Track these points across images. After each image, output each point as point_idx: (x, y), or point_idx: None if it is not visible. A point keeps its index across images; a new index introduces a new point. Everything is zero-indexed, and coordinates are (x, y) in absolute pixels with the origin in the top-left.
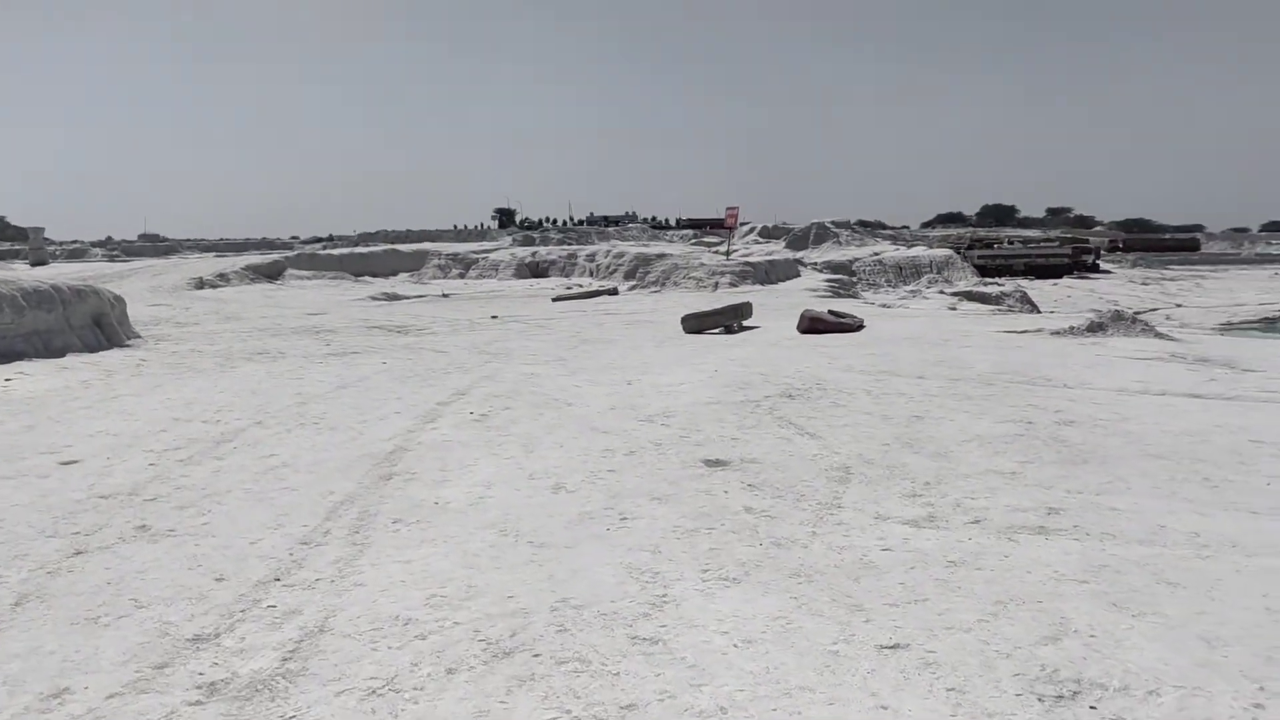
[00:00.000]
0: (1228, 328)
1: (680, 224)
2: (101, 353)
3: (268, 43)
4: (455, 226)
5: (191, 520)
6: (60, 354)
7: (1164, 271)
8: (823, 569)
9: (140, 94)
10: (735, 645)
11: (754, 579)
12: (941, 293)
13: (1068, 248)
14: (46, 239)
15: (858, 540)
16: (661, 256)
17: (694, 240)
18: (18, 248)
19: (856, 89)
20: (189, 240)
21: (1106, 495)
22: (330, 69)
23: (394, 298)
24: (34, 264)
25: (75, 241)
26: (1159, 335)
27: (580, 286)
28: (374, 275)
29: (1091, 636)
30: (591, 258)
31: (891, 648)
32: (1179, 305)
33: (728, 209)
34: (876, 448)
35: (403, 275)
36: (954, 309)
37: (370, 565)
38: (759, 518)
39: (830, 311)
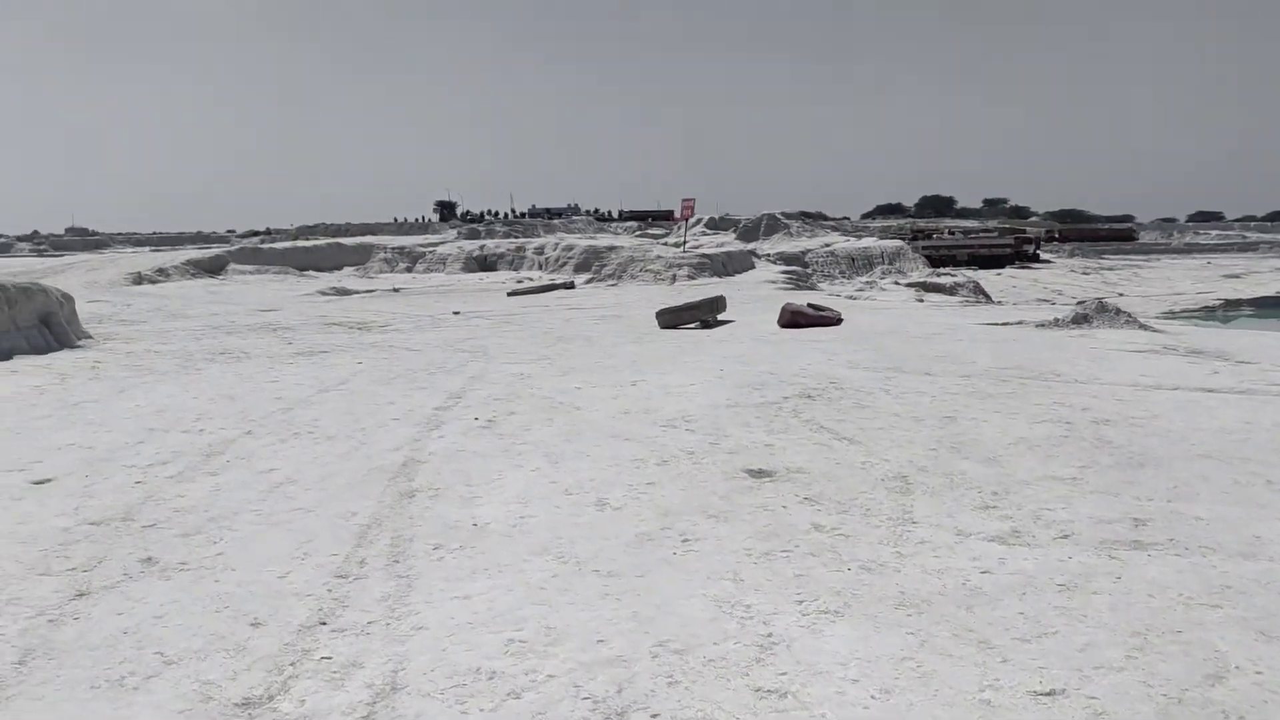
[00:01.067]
0: (1170, 316)
1: (623, 216)
2: (51, 354)
3: (198, 33)
4: (396, 219)
5: (203, 550)
6: (7, 356)
7: (1101, 261)
8: (927, 597)
9: (65, 83)
10: (873, 696)
11: (857, 611)
12: (896, 284)
13: (1009, 238)
14: None
15: (950, 562)
16: (613, 249)
17: (639, 232)
18: None
19: (795, 83)
20: (121, 234)
21: (1180, 502)
22: (262, 60)
23: (344, 293)
24: None
25: None
26: (1143, 327)
27: (531, 280)
28: (318, 270)
29: (1258, 674)
30: (540, 251)
31: (1048, 694)
32: (1121, 294)
33: (683, 200)
34: (923, 453)
35: (348, 269)
36: (921, 300)
37: (425, 603)
38: (833, 537)
39: (809, 305)
